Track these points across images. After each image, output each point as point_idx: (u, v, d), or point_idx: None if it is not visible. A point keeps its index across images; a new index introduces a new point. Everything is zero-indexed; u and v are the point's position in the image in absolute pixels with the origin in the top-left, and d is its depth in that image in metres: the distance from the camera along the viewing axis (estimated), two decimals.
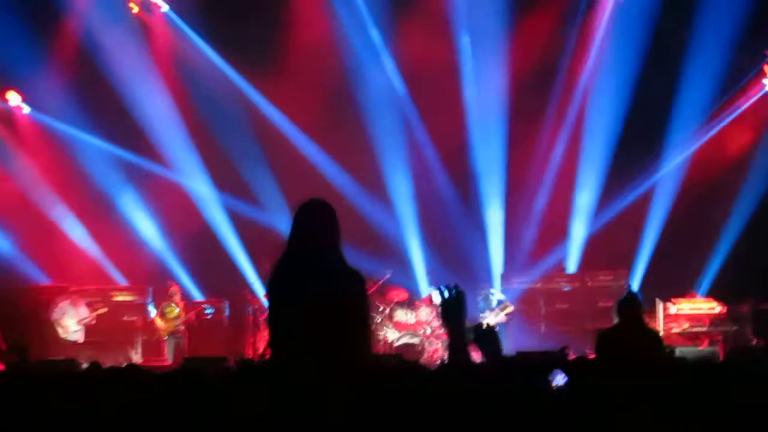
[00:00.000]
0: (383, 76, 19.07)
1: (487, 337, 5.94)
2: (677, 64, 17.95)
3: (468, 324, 5.48)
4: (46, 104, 18.67)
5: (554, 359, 10.25)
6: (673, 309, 16.62)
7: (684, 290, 17.08)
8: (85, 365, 12.02)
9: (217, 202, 19.17)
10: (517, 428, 4.83)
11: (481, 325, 5.77)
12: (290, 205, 17.84)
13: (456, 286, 5.49)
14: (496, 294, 17.09)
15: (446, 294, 5.42)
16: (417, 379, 5.09)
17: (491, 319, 16.21)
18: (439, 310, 5.54)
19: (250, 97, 19.08)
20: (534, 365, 7.13)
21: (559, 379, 6.27)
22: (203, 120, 18.68)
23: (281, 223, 17.10)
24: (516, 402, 4.98)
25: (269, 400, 5.37)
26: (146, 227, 19.06)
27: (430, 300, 16.82)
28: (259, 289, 17.30)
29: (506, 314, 16.52)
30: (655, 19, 17.76)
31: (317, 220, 5.91)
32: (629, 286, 17.25)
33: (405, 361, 11.00)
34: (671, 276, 17.48)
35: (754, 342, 15.81)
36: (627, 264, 18.19)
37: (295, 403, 5.43)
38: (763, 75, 18.32)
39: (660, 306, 16.54)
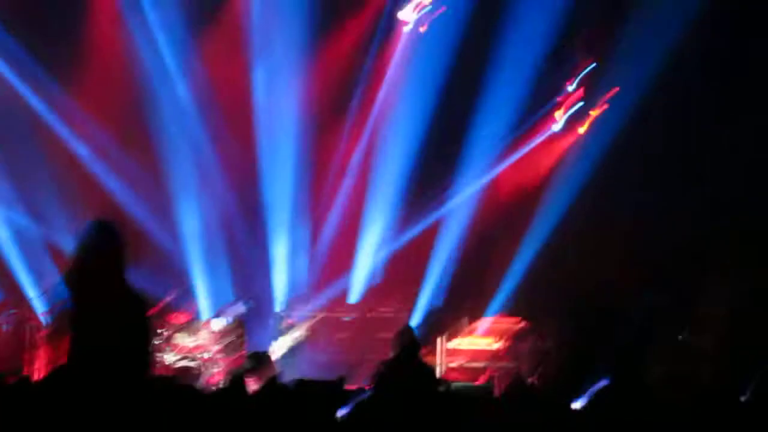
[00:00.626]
0: (177, 99, 18.90)
1: (264, 364, 5.97)
2: (475, 96, 18.45)
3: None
4: None
5: (332, 389, 10.34)
6: (451, 344, 16.92)
7: (481, 311, 17.46)
8: None
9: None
10: None
11: (257, 353, 5.80)
12: (75, 223, 17.56)
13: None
14: (285, 319, 17.14)
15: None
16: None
17: (283, 342, 16.30)
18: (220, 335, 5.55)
19: (41, 113, 18.53)
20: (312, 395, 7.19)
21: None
22: None
23: (63, 239, 16.77)
24: None
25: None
26: None
27: (209, 324, 16.74)
28: (38, 306, 16.85)
29: (295, 338, 16.57)
30: (455, 49, 18.24)
31: (102, 239, 5.84)
32: (407, 321, 17.58)
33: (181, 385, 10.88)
34: (456, 308, 17.87)
35: (530, 380, 16.20)
36: (410, 297, 18.51)
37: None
38: (553, 120, 19.09)
39: (439, 341, 16.83)
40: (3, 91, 18.30)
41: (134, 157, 18.36)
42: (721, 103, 17.70)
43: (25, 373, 15.36)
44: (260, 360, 6.00)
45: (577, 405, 7.77)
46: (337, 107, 19.03)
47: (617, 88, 18.49)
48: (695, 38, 17.07)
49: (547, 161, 19.22)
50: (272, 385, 6.28)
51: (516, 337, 16.95)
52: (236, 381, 5.57)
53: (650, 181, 18.31)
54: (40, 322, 16.21)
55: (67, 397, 5.52)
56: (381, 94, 19.22)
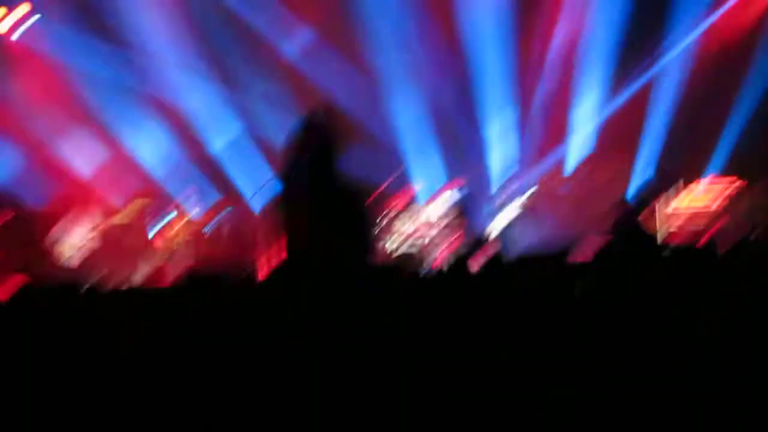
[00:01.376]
0: None
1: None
2: None
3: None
4: None
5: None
6: (669, 208, 16.60)
7: (696, 169, 17.03)
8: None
9: None
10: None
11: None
12: (286, 118, 17.89)
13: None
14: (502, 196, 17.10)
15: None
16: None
17: (501, 220, 16.31)
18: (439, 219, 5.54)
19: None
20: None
21: None
22: None
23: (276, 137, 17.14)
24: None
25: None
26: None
27: (431, 202, 16.80)
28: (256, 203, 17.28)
29: (514, 214, 16.53)
30: None
31: (313, 134, 5.86)
32: (625, 188, 17.34)
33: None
34: (684, 155, 17.46)
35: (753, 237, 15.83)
36: (628, 162, 18.13)
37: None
38: None
39: (657, 206, 16.48)
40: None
41: (344, 50, 18.36)
42: None
43: (249, 271, 15.79)
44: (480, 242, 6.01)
45: None
46: None
47: None
48: None
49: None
50: (496, 263, 6.24)
51: (735, 196, 16.52)
52: (460, 262, 5.54)
53: None
54: (258, 220, 16.64)
55: (289, 294, 5.60)
56: None
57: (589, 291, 5.99)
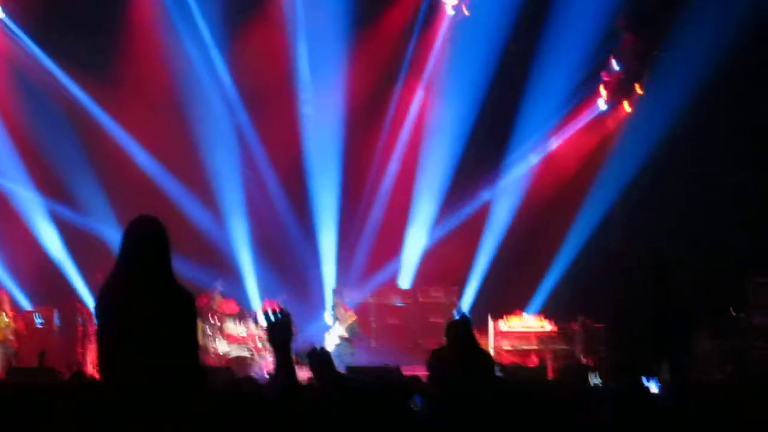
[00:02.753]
0: (219, 88, 18.89)
1: (321, 358, 5.89)
2: (521, 80, 18.20)
3: (302, 346, 5.41)
4: None
5: (389, 378, 10.25)
6: (504, 326, 16.78)
7: (515, 308, 17.24)
8: None
9: (42, 207, 18.55)
10: None
11: (314, 348, 5.72)
12: (118, 213, 17.63)
13: (282, 310, 5.41)
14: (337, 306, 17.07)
15: (272, 318, 5.32)
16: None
17: (337, 331, 16.25)
18: (266, 333, 5.46)
19: (82, 104, 18.50)
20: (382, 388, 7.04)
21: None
22: (30, 125, 18.15)
23: (108, 231, 16.84)
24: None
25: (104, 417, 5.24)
26: None
27: (261, 311, 16.73)
28: (88, 299, 16.95)
29: (349, 325, 16.46)
30: (500, 34, 17.98)
31: (148, 238, 5.77)
32: (460, 308, 17.50)
33: (238, 380, 10.81)
34: (504, 293, 17.72)
35: (584, 361, 16.07)
36: (460, 280, 18.42)
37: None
38: (598, 95, 18.86)
39: (491, 323, 16.68)
40: (47, 84, 18.33)
41: (177, 147, 18.28)
42: None
43: (77, 368, 15.43)
44: (315, 354, 5.94)
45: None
46: (382, 94, 18.90)
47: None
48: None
49: (593, 142, 18.97)
50: (329, 378, 6.19)
51: (567, 320, 16.81)
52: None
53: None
54: (91, 315, 16.32)
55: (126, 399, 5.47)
56: (425, 79, 19.09)
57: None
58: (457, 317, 11.60)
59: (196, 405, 5.20)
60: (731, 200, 16.74)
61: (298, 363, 5.35)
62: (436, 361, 9.40)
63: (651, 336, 14.22)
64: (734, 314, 15.46)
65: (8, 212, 18.22)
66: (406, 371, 11.06)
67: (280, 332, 5.26)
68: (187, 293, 5.60)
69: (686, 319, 14.21)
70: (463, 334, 9.56)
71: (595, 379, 13.07)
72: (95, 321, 5.68)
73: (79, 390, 6.49)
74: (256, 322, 16.60)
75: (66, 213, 18.48)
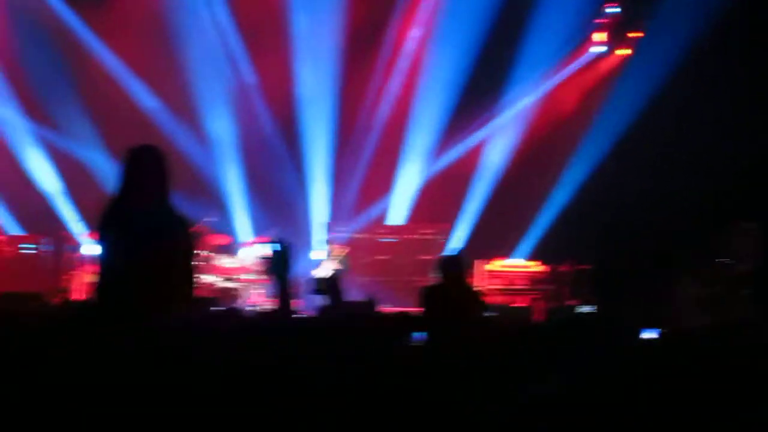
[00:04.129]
0: (212, 17, 18.70)
1: (335, 284, 5.90)
2: (521, 19, 17.97)
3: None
4: None
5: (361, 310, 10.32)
6: (492, 267, 16.81)
7: (505, 251, 17.29)
8: None
9: (29, 133, 18.42)
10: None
11: (330, 277, 5.75)
12: (107, 140, 17.58)
13: (283, 241, 5.44)
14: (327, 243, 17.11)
15: (277, 247, 5.35)
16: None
17: (329, 264, 16.29)
18: (266, 262, 5.50)
19: (73, 28, 18.28)
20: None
21: None
22: (18, 50, 17.97)
23: (97, 159, 16.78)
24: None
25: (95, 341, 5.25)
26: None
27: (251, 245, 16.77)
28: (75, 227, 16.94)
29: (341, 258, 16.51)
30: None
31: (149, 166, 5.76)
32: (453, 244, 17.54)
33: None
34: (494, 236, 17.72)
35: (572, 302, 16.13)
36: (451, 219, 18.41)
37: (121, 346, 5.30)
38: (597, 37, 18.78)
39: (480, 263, 16.72)
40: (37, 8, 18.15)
41: (167, 74, 18.15)
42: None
43: (66, 294, 15.48)
44: (330, 281, 5.95)
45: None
46: (377, 30, 18.75)
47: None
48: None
49: (590, 86, 18.91)
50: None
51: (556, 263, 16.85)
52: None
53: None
54: (77, 244, 16.37)
55: (105, 322, 5.50)
56: (422, 16, 18.94)
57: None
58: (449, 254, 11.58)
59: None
60: (725, 147, 16.74)
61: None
62: (428, 297, 9.45)
63: (633, 282, 14.26)
64: (718, 261, 15.51)
65: None
66: (396, 308, 11.13)
67: (281, 262, 5.29)
68: (185, 221, 5.63)
69: (670, 265, 14.25)
70: (456, 271, 9.60)
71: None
72: (87, 244, 5.70)
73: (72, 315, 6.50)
74: (245, 255, 16.66)
75: (53, 138, 18.34)
